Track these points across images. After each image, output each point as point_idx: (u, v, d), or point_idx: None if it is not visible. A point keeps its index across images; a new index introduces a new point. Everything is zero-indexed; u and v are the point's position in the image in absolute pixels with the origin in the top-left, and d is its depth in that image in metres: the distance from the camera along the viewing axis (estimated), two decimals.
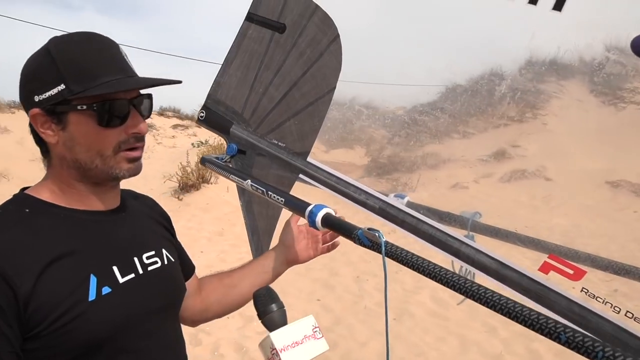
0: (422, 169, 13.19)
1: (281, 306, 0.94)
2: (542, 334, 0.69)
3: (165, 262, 1.12)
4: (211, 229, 8.03)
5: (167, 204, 9.56)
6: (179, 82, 1.05)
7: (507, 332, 4.30)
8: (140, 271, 1.04)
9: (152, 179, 12.08)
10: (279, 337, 0.87)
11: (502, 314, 0.74)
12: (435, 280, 0.84)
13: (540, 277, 1.02)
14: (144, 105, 1.04)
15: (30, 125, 1.00)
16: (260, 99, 1.47)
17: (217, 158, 1.53)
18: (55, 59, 0.95)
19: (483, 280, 1.08)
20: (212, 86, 1.52)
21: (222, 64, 1.50)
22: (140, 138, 1.02)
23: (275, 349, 0.85)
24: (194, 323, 1.35)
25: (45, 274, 0.88)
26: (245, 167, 1.49)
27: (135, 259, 1.04)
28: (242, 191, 1.49)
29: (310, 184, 1.38)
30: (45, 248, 0.91)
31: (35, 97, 0.96)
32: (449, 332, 4.45)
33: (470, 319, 4.56)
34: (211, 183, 9.83)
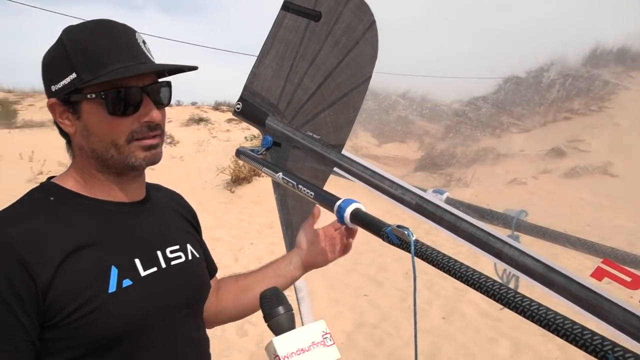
0: (477, 163, 12.76)
1: (289, 309, 0.88)
2: (586, 351, 0.61)
3: (190, 258, 1.09)
4: (261, 221, 8.12)
5: (220, 197, 9.79)
6: (195, 68, 1.01)
7: None
8: (163, 265, 1.01)
9: (207, 171, 12.40)
10: (282, 342, 0.80)
11: (540, 325, 0.66)
12: (468, 285, 0.76)
13: (592, 283, 0.92)
14: (162, 93, 1.01)
15: None
16: (295, 90, 1.42)
17: (252, 150, 1.50)
18: (67, 48, 0.94)
19: (528, 285, 0.99)
20: (248, 77, 1.49)
21: (258, 55, 1.47)
22: (154, 127, 0.98)
23: (277, 355, 0.79)
24: (208, 325, 1.29)
25: (65, 264, 0.87)
26: (281, 159, 1.45)
27: (159, 253, 1.02)
28: (276, 185, 1.45)
29: (344, 177, 1.32)
30: (68, 237, 0.90)
31: (52, 87, 0.96)
32: (501, 334, 4.27)
33: (524, 321, 4.31)
34: (262, 176, 9.94)
